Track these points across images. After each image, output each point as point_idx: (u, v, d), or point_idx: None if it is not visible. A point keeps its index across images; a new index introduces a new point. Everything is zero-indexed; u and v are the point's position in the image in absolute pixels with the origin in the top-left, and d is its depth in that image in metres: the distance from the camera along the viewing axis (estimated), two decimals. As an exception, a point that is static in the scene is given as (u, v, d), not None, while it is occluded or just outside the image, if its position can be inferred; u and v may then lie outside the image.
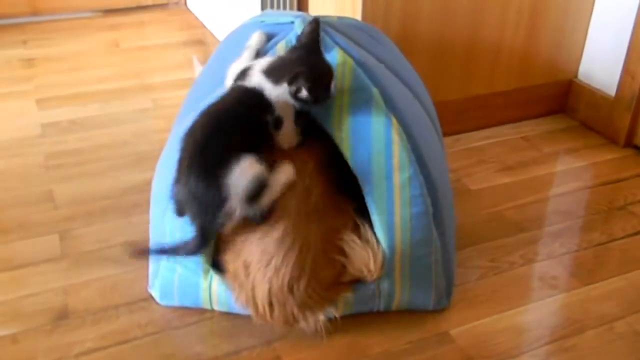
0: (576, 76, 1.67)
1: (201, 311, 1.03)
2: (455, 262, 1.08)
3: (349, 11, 1.37)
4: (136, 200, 1.31)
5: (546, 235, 1.23)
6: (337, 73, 0.96)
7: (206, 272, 0.99)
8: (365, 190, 0.94)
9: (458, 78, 1.52)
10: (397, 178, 0.94)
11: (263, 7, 1.72)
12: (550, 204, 1.34)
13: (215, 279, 0.99)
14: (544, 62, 1.61)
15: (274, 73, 0.94)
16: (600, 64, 1.60)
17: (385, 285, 0.98)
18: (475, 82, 1.55)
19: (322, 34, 0.98)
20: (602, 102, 1.59)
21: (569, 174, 1.44)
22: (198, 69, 1.98)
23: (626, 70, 1.50)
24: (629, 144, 1.55)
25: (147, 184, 1.36)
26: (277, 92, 0.93)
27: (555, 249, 1.19)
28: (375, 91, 0.96)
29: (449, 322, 1.02)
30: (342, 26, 1.08)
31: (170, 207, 0.97)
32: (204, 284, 0.99)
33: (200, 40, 2.19)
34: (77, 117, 1.65)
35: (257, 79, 0.94)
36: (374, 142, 0.94)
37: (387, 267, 0.96)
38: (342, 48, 1.00)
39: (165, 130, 1.59)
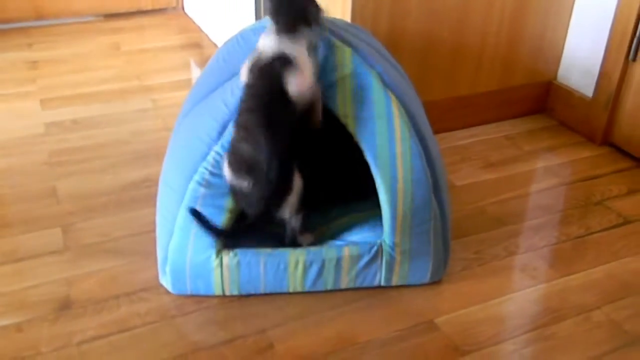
0: (555, 78, 1.67)
1: (199, 300, 1.03)
2: (450, 236, 1.09)
3: (338, 12, 1.36)
4: (135, 196, 1.30)
5: (527, 228, 1.24)
6: (337, 60, 0.98)
7: (218, 251, 0.99)
8: (370, 160, 0.97)
9: (443, 79, 1.52)
10: (399, 147, 0.97)
11: (257, 12, 1.71)
12: (531, 199, 1.34)
13: (226, 257, 0.99)
14: (525, 64, 1.61)
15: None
16: (578, 66, 1.60)
17: (387, 249, 1.00)
18: (460, 82, 1.55)
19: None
20: (580, 102, 1.59)
21: (548, 171, 1.45)
22: (195, 70, 1.97)
23: (603, 73, 1.51)
24: (605, 142, 1.55)
25: (146, 181, 1.36)
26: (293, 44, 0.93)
27: (536, 242, 1.20)
28: (373, 73, 0.98)
29: (435, 311, 1.02)
30: (335, 24, 1.09)
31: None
32: (214, 261, 0.99)
33: (197, 44, 2.18)
34: (80, 117, 1.64)
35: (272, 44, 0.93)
36: (376, 118, 0.97)
37: (389, 229, 0.99)
38: (340, 38, 1.01)
39: (163, 129, 1.58)
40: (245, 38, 1.06)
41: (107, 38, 2.20)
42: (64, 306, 1.01)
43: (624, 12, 1.42)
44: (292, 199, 0.97)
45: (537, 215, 1.28)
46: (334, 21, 1.11)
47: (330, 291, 1.05)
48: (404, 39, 1.42)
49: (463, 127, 1.61)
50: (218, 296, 1.03)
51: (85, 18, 2.37)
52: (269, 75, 0.91)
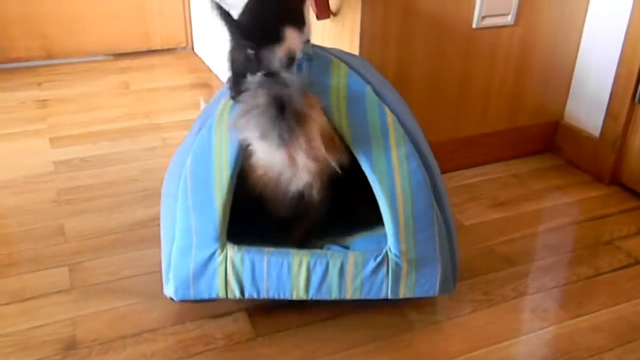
0: (562, 118, 1.71)
1: (206, 341, 1.03)
2: (457, 244, 1.10)
3: (347, 57, 1.41)
4: (142, 235, 1.33)
5: (537, 269, 1.25)
6: (333, 72, 1.03)
7: (221, 248, 1.00)
8: (367, 168, 0.99)
9: (450, 119, 1.56)
10: (395, 153, 1.00)
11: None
12: (540, 238, 1.35)
13: (231, 251, 1.00)
14: (532, 104, 1.65)
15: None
16: (584, 106, 1.64)
17: (393, 257, 1.01)
18: (467, 123, 1.59)
19: (316, 50, 1.05)
20: (587, 142, 1.62)
21: (557, 210, 1.46)
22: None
23: (609, 113, 1.54)
24: (613, 181, 1.57)
25: (153, 220, 1.39)
26: None
27: (546, 282, 1.20)
28: (368, 88, 1.02)
29: (444, 355, 1.02)
30: (338, 53, 1.15)
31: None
32: (218, 258, 1.00)
33: (206, 83, 2.23)
34: (88, 155, 1.68)
35: None
36: (370, 126, 1.00)
37: (393, 237, 1.00)
38: (337, 57, 1.06)
39: (172, 168, 1.62)
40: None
41: (116, 77, 2.27)
42: (70, 347, 1.02)
43: (629, 54, 1.46)
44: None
45: (547, 255, 1.29)
46: (334, 51, 1.16)
47: (338, 328, 1.05)
48: (410, 80, 1.46)
49: (471, 166, 1.63)
50: (225, 337, 1.04)
51: (94, 57, 2.45)
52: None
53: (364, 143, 1.00)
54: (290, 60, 0.94)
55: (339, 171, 0.97)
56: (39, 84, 2.20)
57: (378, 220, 1.03)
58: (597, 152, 1.59)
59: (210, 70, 2.33)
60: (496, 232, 1.36)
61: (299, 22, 1.01)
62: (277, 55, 0.92)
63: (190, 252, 1.02)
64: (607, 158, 1.56)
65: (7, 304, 1.12)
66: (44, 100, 2.05)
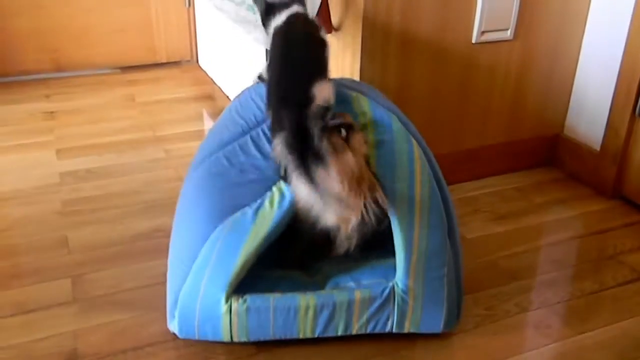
0: (562, 131, 1.68)
1: (206, 356, 1.00)
2: (463, 284, 1.07)
3: (347, 72, 1.39)
4: (145, 247, 1.30)
5: (540, 283, 1.21)
6: (356, 109, 1.01)
7: (227, 296, 0.97)
8: (390, 200, 0.95)
9: (451, 132, 1.53)
10: (419, 190, 0.97)
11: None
12: (543, 252, 1.32)
13: (235, 304, 0.97)
14: (532, 118, 1.62)
15: None
16: (585, 119, 1.61)
17: (400, 292, 0.98)
18: (467, 136, 1.56)
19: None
20: (588, 155, 1.59)
21: (559, 224, 1.43)
22: (207, 121, 2.00)
23: (610, 126, 1.51)
24: (615, 195, 1.54)
25: (155, 231, 1.36)
26: None
27: (549, 297, 1.17)
28: (393, 117, 1.00)
29: (447, 370, 0.99)
30: (345, 84, 1.12)
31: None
32: (224, 307, 0.97)
33: (210, 96, 2.22)
34: (94, 167, 1.66)
35: None
36: (397, 163, 0.97)
37: (403, 273, 0.97)
38: (356, 91, 1.04)
39: (175, 180, 1.59)
40: (257, 92, 1.09)
41: (123, 90, 2.25)
42: (71, 360, 0.99)
43: (629, 67, 1.43)
44: None
45: (550, 269, 1.26)
46: (342, 81, 1.13)
47: (341, 342, 1.02)
48: (411, 93, 1.44)
49: (471, 180, 1.60)
50: (226, 352, 1.01)
51: (102, 70, 2.44)
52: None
53: (390, 175, 0.96)
54: (326, 110, 0.89)
55: (371, 219, 0.86)
56: (48, 96, 2.18)
57: (387, 252, 1.01)
58: (598, 165, 1.56)
59: (213, 83, 2.31)
60: (498, 245, 1.33)
61: (325, 69, 0.97)
62: (311, 115, 0.87)
63: (197, 295, 0.98)
64: (609, 171, 1.53)
65: (10, 316, 1.09)
66: (52, 112, 2.04)
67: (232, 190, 0.98)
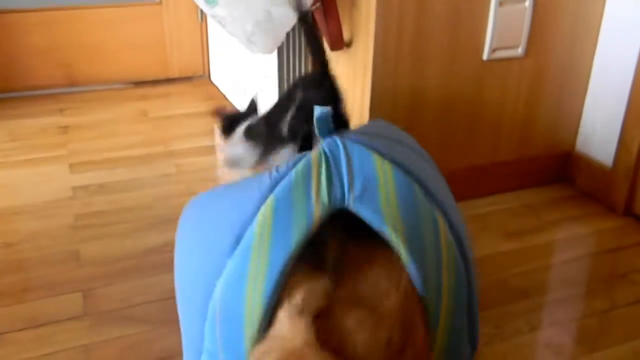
0: (574, 148, 1.68)
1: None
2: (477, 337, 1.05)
3: (359, 90, 1.41)
4: (155, 261, 1.32)
5: (550, 302, 1.21)
6: (379, 174, 0.87)
7: None
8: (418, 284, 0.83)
9: (462, 148, 1.55)
10: (445, 277, 0.84)
11: (280, 82, 1.78)
12: (554, 270, 1.32)
13: None
14: (543, 134, 1.63)
15: None
16: (596, 136, 1.61)
17: None
18: (478, 152, 1.57)
19: (353, 142, 0.91)
20: (600, 172, 1.59)
21: (570, 242, 1.43)
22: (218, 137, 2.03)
23: (622, 143, 1.52)
24: (627, 212, 1.54)
25: (166, 246, 1.38)
26: None
27: (560, 316, 1.17)
28: (416, 187, 0.89)
29: (456, 388, 0.99)
30: (362, 130, 1.02)
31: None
32: None
33: (222, 110, 2.25)
34: (106, 181, 1.69)
35: None
36: (424, 229, 0.84)
37: None
38: (375, 150, 0.92)
39: (186, 194, 1.62)
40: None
41: (135, 104, 2.29)
42: (81, 375, 1.01)
43: (640, 85, 1.44)
44: None
45: (560, 287, 1.26)
46: (352, 132, 1.02)
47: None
48: (422, 109, 1.45)
49: (482, 196, 1.61)
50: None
51: (115, 85, 2.49)
52: None
53: (418, 256, 0.81)
54: None
55: None
56: (61, 111, 2.23)
57: None
58: (610, 182, 1.56)
59: (225, 99, 2.35)
60: (509, 263, 1.34)
61: (344, 118, 0.94)
62: None
63: None
64: (621, 188, 1.53)
65: (21, 329, 1.12)
66: (65, 126, 2.08)
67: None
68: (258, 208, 0.83)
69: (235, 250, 0.83)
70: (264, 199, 0.83)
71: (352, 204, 0.82)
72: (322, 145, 0.90)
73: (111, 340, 1.09)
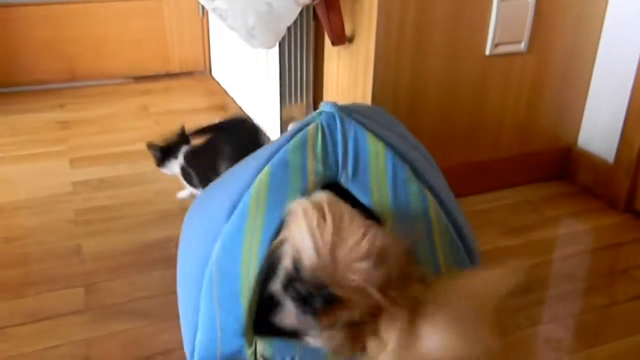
0: (576, 143, 1.69)
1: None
2: None
3: (360, 84, 1.42)
4: (156, 257, 1.33)
5: (550, 297, 1.22)
6: (371, 154, 0.91)
7: (249, 343, 0.89)
8: None
9: (463, 144, 1.55)
10: (439, 246, 0.90)
11: (281, 76, 1.78)
12: (553, 266, 1.33)
13: (260, 349, 0.89)
14: (544, 130, 1.64)
15: None
16: (598, 132, 1.62)
17: None
18: (479, 148, 1.58)
19: (350, 120, 0.94)
20: (601, 168, 1.60)
21: (570, 238, 1.44)
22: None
23: (624, 139, 1.52)
24: (628, 209, 1.54)
25: (166, 241, 1.39)
26: None
27: (560, 311, 1.18)
28: (407, 167, 0.92)
29: (456, 383, 1.00)
30: (360, 107, 1.06)
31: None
32: (248, 352, 0.90)
33: (222, 106, 2.25)
34: (107, 176, 1.70)
35: None
36: (412, 204, 0.89)
37: None
38: (370, 131, 0.95)
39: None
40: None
41: (136, 100, 2.30)
42: (83, 368, 1.02)
43: (642, 81, 1.45)
44: None
45: (561, 283, 1.27)
46: (352, 107, 1.05)
47: None
48: (423, 105, 1.46)
49: (482, 192, 1.62)
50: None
51: (116, 80, 2.49)
52: None
53: (404, 226, 0.86)
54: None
55: None
56: (62, 106, 2.23)
57: None
58: (611, 178, 1.57)
59: (226, 94, 2.35)
60: (509, 259, 1.34)
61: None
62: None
63: (215, 345, 0.92)
64: (622, 185, 1.54)
65: (23, 323, 1.13)
66: (66, 121, 2.09)
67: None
68: (255, 177, 0.86)
69: (232, 215, 0.86)
70: (261, 168, 0.86)
71: (345, 181, 0.86)
72: (319, 118, 0.93)
73: (113, 334, 1.10)
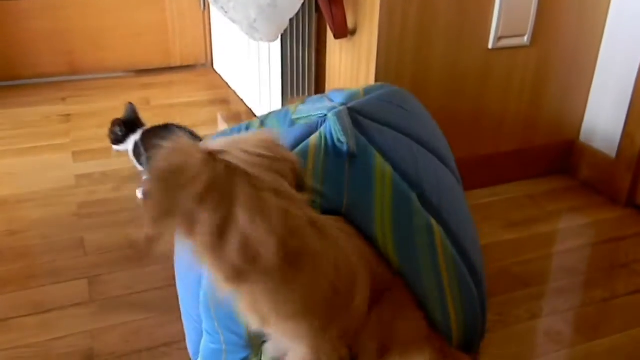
0: (578, 138, 1.70)
1: None
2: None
3: (362, 78, 1.42)
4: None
5: (551, 291, 1.23)
6: (377, 176, 0.90)
7: (255, 352, 0.90)
8: (418, 293, 0.89)
9: (465, 138, 1.56)
10: (446, 277, 0.90)
11: (283, 69, 1.79)
12: (554, 260, 1.34)
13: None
14: (547, 125, 1.64)
15: None
16: (600, 127, 1.63)
17: None
18: (482, 142, 1.59)
19: (355, 129, 0.92)
20: (603, 162, 1.61)
21: (571, 232, 1.45)
22: (222, 125, 2.04)
23: (626, 133, 1.53)
24: (630, 203, 1.55)
25: (172, 234, 1.40)
26: None
27: (560, 304, 1.19)
28: (413, 196, 0.92)
29: (456, 375, 1.01)
30: (372, 106, 1.01)
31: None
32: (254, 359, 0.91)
33: (224, 100, 2.26)
34: (109, 169, 1.71)
35: None
36: (418, 246, 0.89)
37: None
38: (378, 149, 0.93)
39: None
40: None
41: (137, 93, 2.30)
42: (88, 359, 1.04)
43: (645, 75, 1.45)
44: None
45: (561, 277, 1.28)
46: (370, 99, 1.02)
47: None
48: (426, 98, 1.46)
49: (485, 186, 1.63)
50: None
51: (117, 74, 2.50)
52: None
53: (412, 266, 0.87)
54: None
55: None
56: (64, 99, 2.24)
57: None
58: (613, 173, 1.57)
59: (228, 87, 2.36)
60: (510, 252, 1.35)
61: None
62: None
63: (221, 357, 0.92)
64: (623, 179, 1.54)
65: (28, 315, 1.14)
66: (68, 115, 2.10)
67: None
68: None
69: None
70: None
71: (345, 210, 0.86)
72: (324, 129, 0.91)
73: (116, 326, 1.11)
